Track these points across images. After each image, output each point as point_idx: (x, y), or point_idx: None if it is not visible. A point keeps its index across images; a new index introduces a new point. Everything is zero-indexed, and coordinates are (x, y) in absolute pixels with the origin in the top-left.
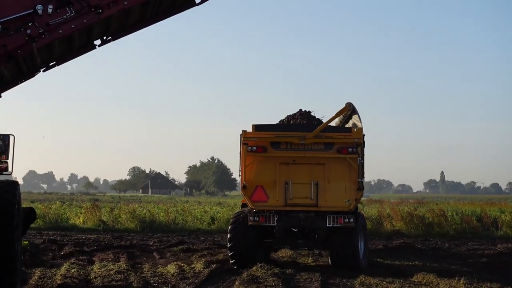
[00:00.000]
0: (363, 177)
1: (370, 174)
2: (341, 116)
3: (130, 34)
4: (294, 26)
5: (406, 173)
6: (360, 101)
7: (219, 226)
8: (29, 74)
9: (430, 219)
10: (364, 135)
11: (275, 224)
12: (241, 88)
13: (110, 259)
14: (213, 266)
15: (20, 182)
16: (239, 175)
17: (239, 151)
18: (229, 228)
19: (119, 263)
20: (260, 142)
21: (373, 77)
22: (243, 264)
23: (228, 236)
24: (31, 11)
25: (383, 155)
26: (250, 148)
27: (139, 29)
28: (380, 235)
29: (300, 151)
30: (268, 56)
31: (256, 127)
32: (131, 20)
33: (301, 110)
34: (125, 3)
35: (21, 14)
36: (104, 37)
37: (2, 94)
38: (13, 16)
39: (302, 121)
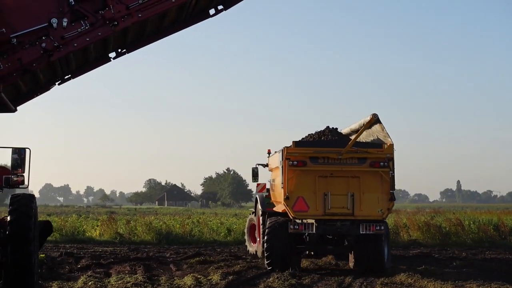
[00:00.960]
0: (394, 188)
1: None
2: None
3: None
4: (311, 34)
5: (422, 182)
6: (376, 110)
7: (235, 238)
8: (45, 87)
9: (447, 228)
10: (394, 150)
11: (313, 232)
12: (257, 98)
13: (127, 272)
14: (230, 277)
15: (37, 195)
16: (281, 187)
17: (280, 166)
18: (267, 235)
19: (136, 275)
20: (300, 157)
21: (389, 86)
22: (279, 267)
23: (266, 242)
24: (46, 24)
25: (399, 164)
26: (291, 162)
27: (154, 41)
28: (397, 245)
29: (337, 165)
30: (283, 64)
31: (296, 144)
32: (146, 32)
33: (328, 127)
34: (140, 15)
35: (36, 27)
36: (119, 50)
37: (18, 108)
38: (28, 30)
39: (333, 137)
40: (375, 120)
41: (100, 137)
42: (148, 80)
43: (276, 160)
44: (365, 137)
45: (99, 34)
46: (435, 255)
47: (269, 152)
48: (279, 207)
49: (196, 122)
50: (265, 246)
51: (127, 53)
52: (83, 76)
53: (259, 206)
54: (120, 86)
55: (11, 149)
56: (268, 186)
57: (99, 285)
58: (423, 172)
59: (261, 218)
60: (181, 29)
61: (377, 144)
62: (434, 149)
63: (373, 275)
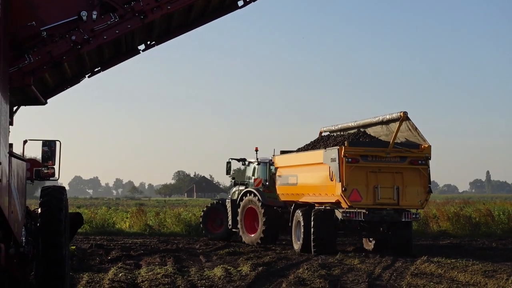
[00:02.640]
0: (430, 182)
1: None
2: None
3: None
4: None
5: (452, 173)
6: (406, 101)
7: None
8: (75, 79)
9: (477, 219)
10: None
11: (362, 219)
12: (286, 90)
13: (157, 263)
14: (260, 268)
15: (67, 187)
16: (338, 181)
17: (337, 162)
18: (313, 221)
19: (166, 267)
20: (355, 155)
21: (419, 78)
22: (325, 250)
23: (313, 228)
24: (75, 17)
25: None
26: (348, 159)
27: (183, 33)
28: (426, 236)
29: (383, 162)
30: (317, 56)
31: (349, 143)
32: (175, 24)
33: (359, 129)
34: (169, 7)
35: (65, 20)
36: (148, 42)
37: (48, 100)
38: (58, 23)
39: (365, 139)
40: (405, 117)
41: (129, 129)
42: (175, 72)
43: (308, 158)
44: (389, 134)
45: (129, 26)
46: (465, 245)
47: (256, 150)
48: (307, 198)
49: (224, 114)
50: (313, 234)
51: (156, 45)
52: (112, 69)
53: (257, 198)
54: (150, 78)
55: (41, 141)
56: (263, 182)
57: (129, 277)
58: (452, 163)
59: (262, 210)
60: (211, 20)
61: (415, 144)
62: (463, 139)
63: (402, 266)
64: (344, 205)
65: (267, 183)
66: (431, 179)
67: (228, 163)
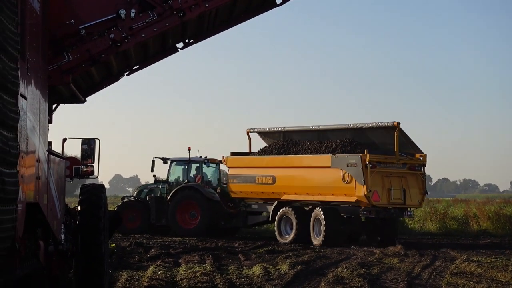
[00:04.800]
0: (426, 185)
1: (455, 174)
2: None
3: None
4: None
5: (492, 172)
6: (445, 101)
7: None
8: (114, 78)
9: None
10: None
11: (374, 216)
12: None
13: (195, 261)
14: (298, 267)
15: (107, 186)
16: (361, 183)
17: (360, 167)
18: (325, 221)
19: (204, 265)
20: (374, 161)
21: (463, 73)
22: (338, 243)
23: (325, 227)
24: (114, 15)
25: (469, 154)
26: (371, 165)
27: (222, 31)
28: (466, 235)
29: (393, 168)
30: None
31: (369, 152)
32: (217, 21)
33: (284, 133)
34: (207, 5)
35: (104, 19)
36: (187, 40)
37: (87, 99)
38: (97, 21)
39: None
40: (397, 127)
41: (167, 127)
42: (213, 70)
43: (302, 161)
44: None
45: (167, 24)
46: (505, 245)
47: (189, 149)
48: (303, 197)
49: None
50: (325, 230)
51: (195, 43)
52: (151, 66)
53: (198, 194)
54: (190, 75)
55: (80, 139)
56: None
57: (168, 275)
58: (493, 162)
59: (203, 204)
60: (249, 19)
61: (411, 153)
62: (503, 138)
63: (441, 266)
64: (364, 204)
65: (210, 180)
66: (464, 175)
67: (153, 161)
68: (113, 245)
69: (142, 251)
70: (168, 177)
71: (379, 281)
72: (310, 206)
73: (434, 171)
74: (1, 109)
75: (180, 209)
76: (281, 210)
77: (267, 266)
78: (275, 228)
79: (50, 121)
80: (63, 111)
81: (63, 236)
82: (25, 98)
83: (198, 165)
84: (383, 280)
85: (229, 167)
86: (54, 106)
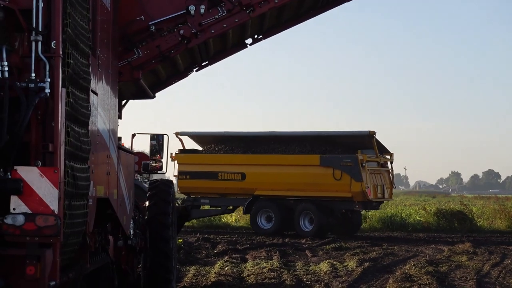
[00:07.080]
0: (393, 180)
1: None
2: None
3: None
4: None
5: None
6: (475, 98)
7: (370, 225)
8: (183, 74)
9: None
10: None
11: (359, 209)
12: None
13: (263, 257)
14: (366, 264)
15: (174, 181)
16: (358, 181)
17: (357, 166)
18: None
19: (271, 261)
20: (367, 161)
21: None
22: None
23: (317, 220)
24: (183, 11)
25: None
26: (365, 164)
27: (292, 26)
28: None
29: (376, 167)
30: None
31: (362, 152)
32: (284, 17)
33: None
34: (276, 1)
35: (174, 15)
36: (255, 36)
37: (156, 94)
38: (166, 17)
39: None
40: (373, 135)
41: (239, 126)
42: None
43: (283, 160)
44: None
45: (236, 20)
46: None
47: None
48: (285, 192)
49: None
50: (316, 223)
51: (264, 39)
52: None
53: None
54: (260, 72)
55: (149, 135)
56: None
57: (235, 270)
58: None
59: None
60: (320, 14)
61: (384, 153)
62: None
63: (511, 264)
64: (358, 199)
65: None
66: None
67: None
68: (181, 240)
69: (210, 247)
70: None
71: (447, 279)
72: (292, 201)
73: (503, 168)
74: (73, 105)
75: None
76: (256, 204)
77: (334, 262)
78: (250, 220)
79: (120, 117)
80: (133, 106)
81: (132, 231)
82: (96, 94)
83: None
84: (452, 278)
85: (180, 163)
86: (123, 101)
